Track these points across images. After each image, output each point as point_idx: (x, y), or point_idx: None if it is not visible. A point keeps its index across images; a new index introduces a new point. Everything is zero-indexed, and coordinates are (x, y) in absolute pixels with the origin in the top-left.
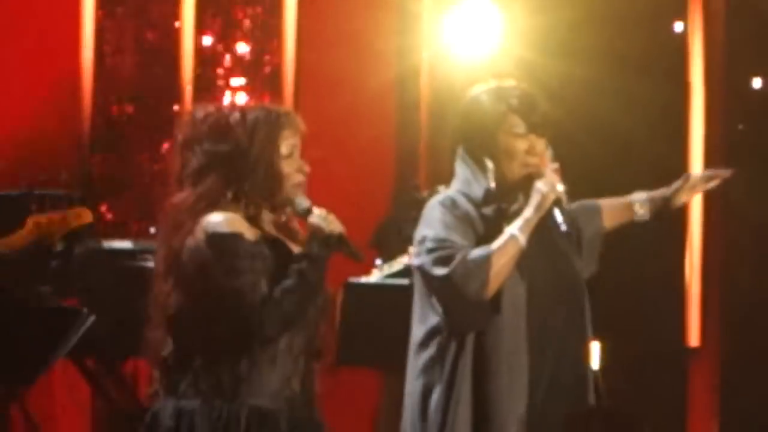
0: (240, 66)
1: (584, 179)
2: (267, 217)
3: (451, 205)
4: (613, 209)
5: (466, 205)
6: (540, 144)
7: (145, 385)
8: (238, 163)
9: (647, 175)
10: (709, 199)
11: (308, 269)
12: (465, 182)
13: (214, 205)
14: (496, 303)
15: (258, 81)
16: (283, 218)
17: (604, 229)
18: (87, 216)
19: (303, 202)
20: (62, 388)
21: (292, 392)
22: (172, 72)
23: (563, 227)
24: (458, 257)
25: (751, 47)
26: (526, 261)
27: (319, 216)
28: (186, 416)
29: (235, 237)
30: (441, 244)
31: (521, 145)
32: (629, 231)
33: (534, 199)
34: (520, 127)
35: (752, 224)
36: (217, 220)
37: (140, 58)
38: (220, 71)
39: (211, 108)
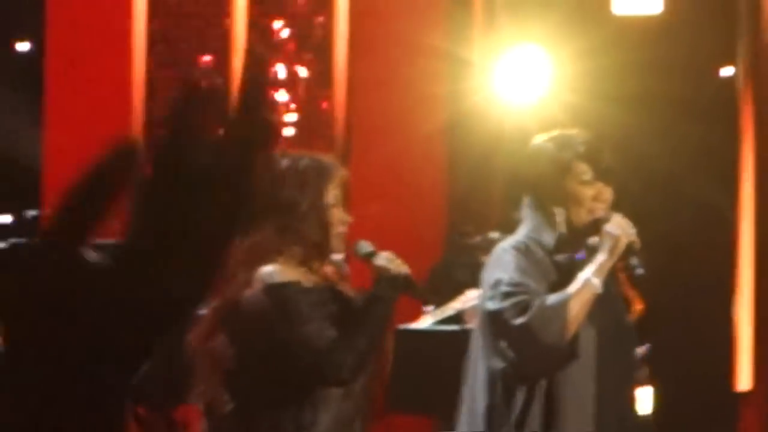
0: (291, 114)
1: (635, 223)
2: (316, 265)
3: (525, 249)
4: None
5: (538, 251)
6: (607, 192)
7: None
8: (288, 213)
9: (698, 220)
10: (761, 242)
11: (378, 310)
12: (535, 229)
13: (267, 256)
14: (572, 348)
15: (309, 127)
16: (328, 267)
17: None
18: None
19: (366, 246)
20: None
21: None
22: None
23: (640, 271)
24: (536, 305)
25: None
26: (594, 307)
27: (385, 258)
28: None
29: (295, 286)
30: (517, 288)
31: (589, 191)
32: (679, 276)
33: (606, 243)
34: (588, 174)
35: None
36: (274, 270)
37: None
38: (271, 120)
39: None
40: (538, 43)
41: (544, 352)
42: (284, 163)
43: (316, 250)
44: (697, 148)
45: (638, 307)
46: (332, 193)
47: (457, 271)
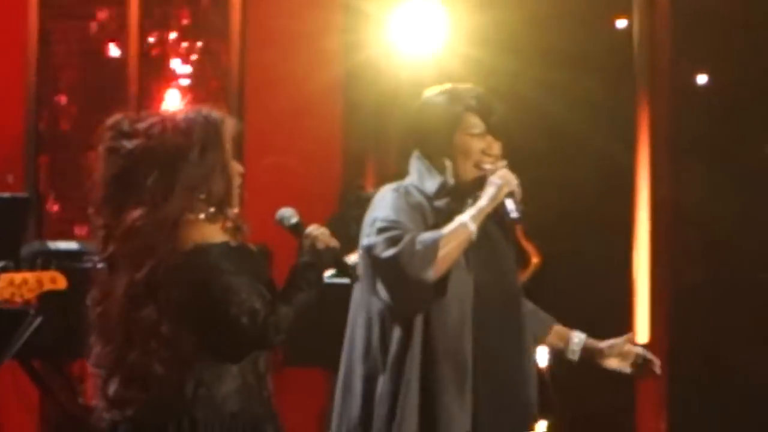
0: (185, 66)
1: (532, 176)
2: (220, 221)
3: (405, 192)
4: (558, 335)
5: (418, 196)
6: (496, 145)
7: (92, 387)
8: (193, 174)
9: (595, 173)
10: (656, 194)
11: (312, 276)
12: (419, 177)
13: (180, 219)
14: (441, 286)
15: (204, 81)
16: (228, 224)
17: (543, 341)
18: (61, 282)
19: (291, 214)
20: (9, 389)
21: (268, 393)
22: (117, 72)
23: (514, 214)
24: (406, 239)
25: (696, 43)
26: (474, 254)
27: (316, 230)
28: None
29: (222, 247)
30: (391, 224)
31: (478, 144)
32: (575, 230)
33: (489, 191)
34: (478, 127)
35: (700, 221)
36: (199, 233)
37: (85, 59)
38: (165, 71)
39: (151, 119)
40: None
41: (411, 286)
42: (182, 121)
43: (220, 206)
44: (594, 100)
45: (535, 260)
46: (228, 146)
47: (351, 225)
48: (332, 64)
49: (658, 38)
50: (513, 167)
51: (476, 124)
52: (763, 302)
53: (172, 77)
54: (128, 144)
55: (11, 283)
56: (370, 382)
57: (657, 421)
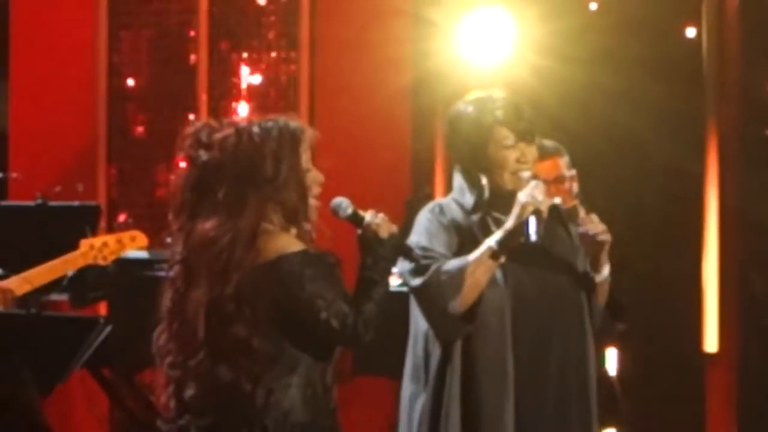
0: (255, 74)
1: (600, 184)
2: (293, 229)
3: (439, 211)
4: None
5: (455, 211)
6: (530, 151)
7: (161, 389)
8: (270, 184)
9: (664, 181)
10: (725, 203)
11: (386, 269)
12: (459, 190)
13: (256, 230)
14: (473, 312)
15: (274, 89)
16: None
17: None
18: (142, 240)
19: (347, 204)
20: (80, 398)
21: (334, 404)
22: (188, 81)
23: (533, 237)
24: (433, 268)
25: (765, 51)
26: (512, 270)
27: (378, 217)
28: None
29: (303, 254)
30: (423, 252)
31: (512, 155)
32: (643, 238)
33: (515, 210)
34: (509, 138)
35: None
36: (277, 243)
37: (155, 68)
38: (235, 80)
39: (227, 129)
40: (502, 3)
41: (438, 315)
42: (256, 133)
43: (294, 216)
44: (663, 109)
45: None
46: (305, 156)
47: None
48: (401, 73)
49: (727, 46)
50: (581, 175)
51: (507, 135)
52: None
53: (242, 85)
54: (204, 155)
55: (92, 247)
56: (413, 401)
57: (728, 430)
